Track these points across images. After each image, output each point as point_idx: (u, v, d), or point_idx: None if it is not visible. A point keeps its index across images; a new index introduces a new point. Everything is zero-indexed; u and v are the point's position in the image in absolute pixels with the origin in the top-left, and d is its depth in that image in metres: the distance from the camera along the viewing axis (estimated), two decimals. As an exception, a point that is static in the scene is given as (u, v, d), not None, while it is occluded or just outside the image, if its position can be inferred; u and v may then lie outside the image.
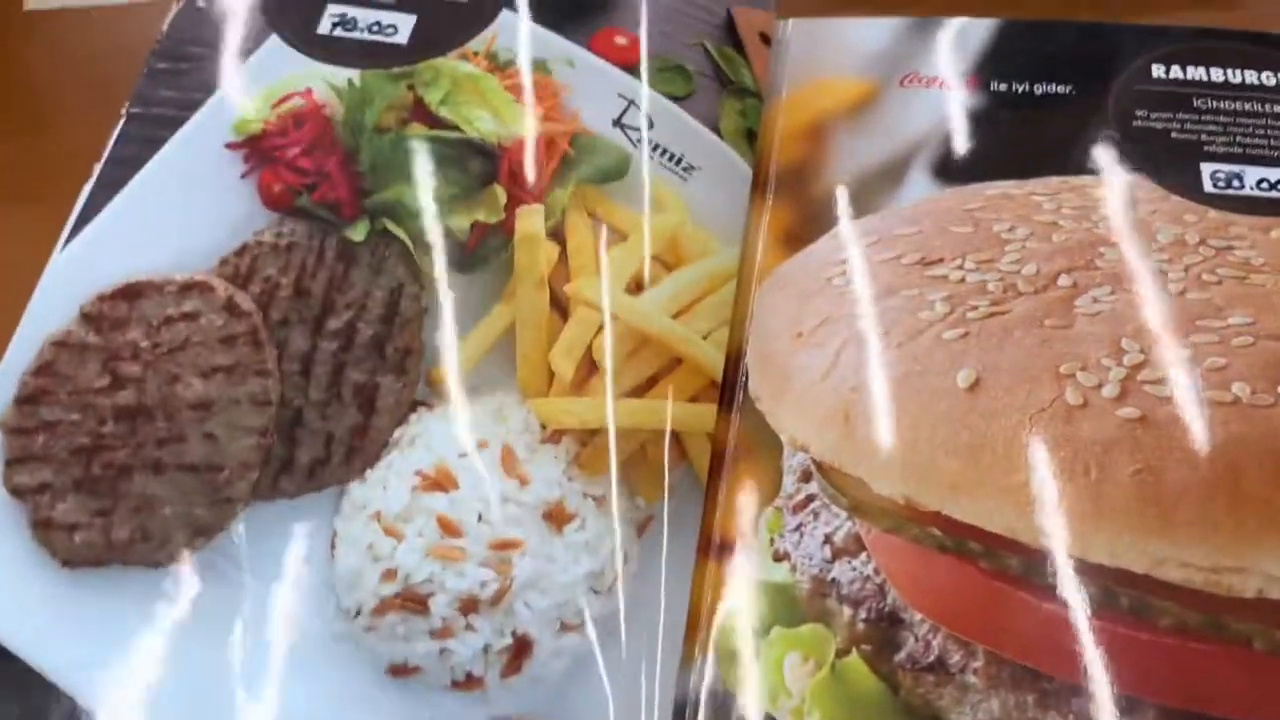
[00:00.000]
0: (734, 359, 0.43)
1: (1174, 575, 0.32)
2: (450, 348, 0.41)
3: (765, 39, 0.53)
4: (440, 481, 0.38)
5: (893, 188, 0.47)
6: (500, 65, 0.48)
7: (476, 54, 0.48)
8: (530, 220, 0.43)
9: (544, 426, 0.39)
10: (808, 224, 0.46)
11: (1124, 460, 0.34)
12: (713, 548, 0.38)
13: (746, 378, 0.42)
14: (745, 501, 0.39)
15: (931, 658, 0.34)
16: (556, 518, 0.37)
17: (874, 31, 0.53)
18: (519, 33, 0.48)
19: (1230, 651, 0.32)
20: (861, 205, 0.47)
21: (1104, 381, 0.35)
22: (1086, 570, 0.33)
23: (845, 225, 0.45)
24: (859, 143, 0.49)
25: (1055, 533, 0.34)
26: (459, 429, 0.39)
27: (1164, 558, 0.32)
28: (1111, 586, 0.33)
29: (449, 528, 0.37)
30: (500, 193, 0.44)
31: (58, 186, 0.45)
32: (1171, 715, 0.32)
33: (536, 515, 0.37)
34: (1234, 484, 0.33)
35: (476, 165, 0.45)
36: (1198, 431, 0.34)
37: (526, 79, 0.47)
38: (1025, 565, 0.34)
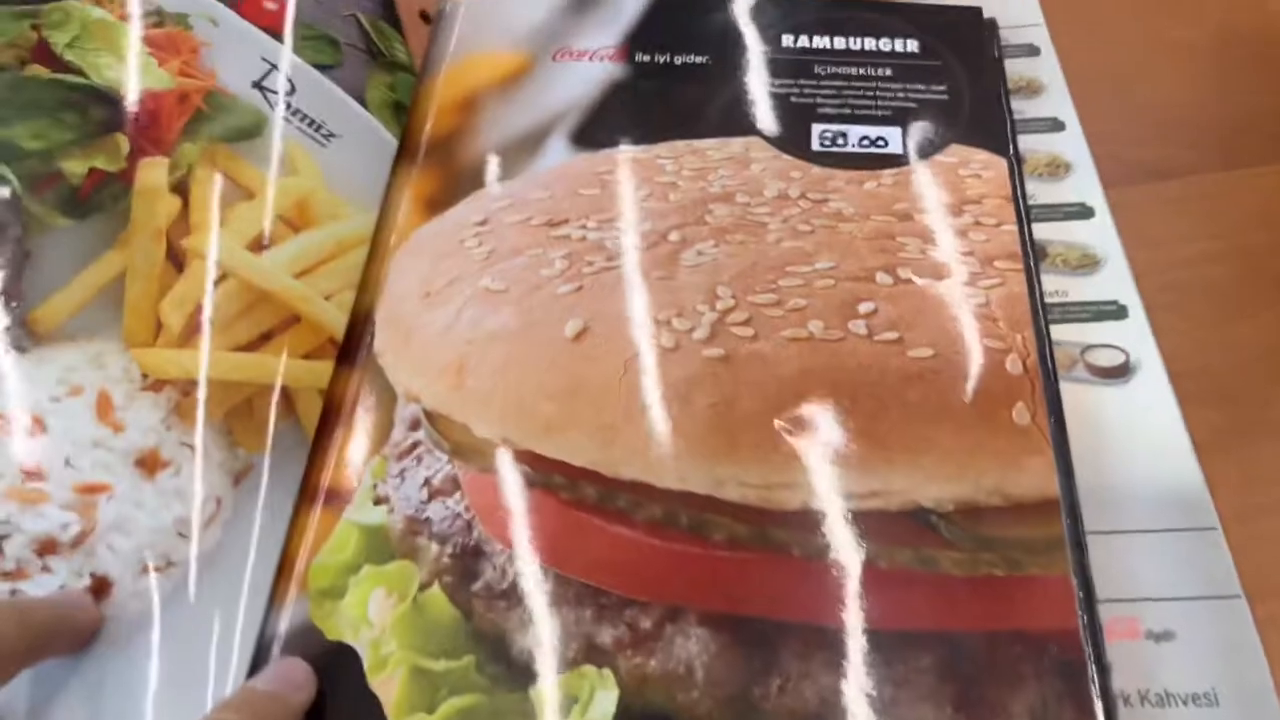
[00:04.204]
0: (363, 319, 0.46)
1: (732, 494, 0.38)
2: (52, 291, 0.42)
3: (425, 17, 0.57)
4: (27, 425, 0.38)
5: (533, 155, 0.52)
6: (137, 14, 0.49)
7: (114, 1, 0.49)
8: (152, 172, 0.44)
9: (145, 375, 0.41)
10: (451, 191, 0.50)
11: (703, 395, 0.39)
12: (316, 496, 0.41)
13: (373, 337, 0.45)
14: (354, 451, 0.42)
15: (506, 584, 0.38)
16: (149, 464, 0.39)
17: (534, 8, 0.58)
18: (161, -16, 0.50)
19: (773, 559, 0.38)
20: (503, 172, 0.51)
21: (696, 325, 0.41)
22: (654, 495, 0.38)
23: (482, 190, 0.50)
24: (507, 114, 0.53)
25: (632, 462, 0.38)
26: (52, 372, 0.40)
27: (725, 479, 0.38)
28: (675, 508, 0.38)
29: (32, 471, 0.38)
30: (123, 141, 0.45)
31: None
32: (712, 619, 0.37)
33: (128, 461, 0.39)
34: (798, 410, 0.39)
35: (100, 113, 0.45)
36: (772, 365, 0.40)
37: (159, 29, 0.48)
38: (601, 494, 0.39)
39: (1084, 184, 0.51)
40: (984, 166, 0.50)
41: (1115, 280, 0.47)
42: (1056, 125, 0.53)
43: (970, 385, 0.40)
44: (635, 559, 0.38)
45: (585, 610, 0.37)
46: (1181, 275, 0.48)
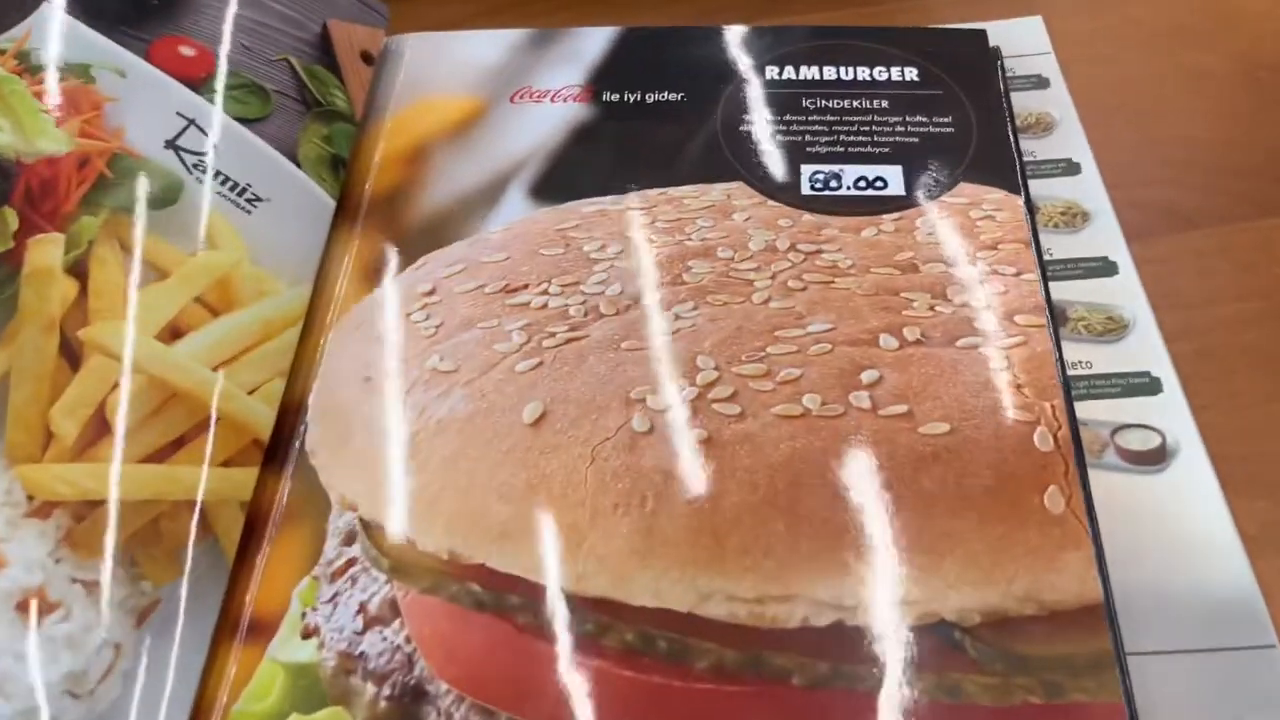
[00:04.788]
0: (294, 412, 0.41)
1: (719, 611, 0.32)
2: (-79, 403, 0.36)
3: (367, 58, 0.52)
4: (-114, 567, 0.33)
5: (488, 210, 0.46)
6: (32, 68, 0.43)
7: (4, 53, 0.43)
8: (44, 252, 0.39)
9: (31, 498, 0.35)
10: (397, 255, 0.45)
11: (682, 487, 0.33)
12: (237, 630, 0.36)
13: (305, 432, 0.40)
14: (281, 573, 0.37)
15: (451, 734, 0.32)
16: (34, 607, 0.33)
17: (489, 46, 0.53)
18: (58, 32, 0.44)
19: (768, 690, 0.32)
20: (456, 231, 0.45)
21: (673, 404, 0.35)
22: (626, 615, 0.33)
23: (430, 255, 0.44)
24: (460, 165, 0.48)
25: (599, 575, 0.33)
26: (-83, 502, 0.34)
27: (710, 592, 0.32)
28: (650, 631, 0.32)
29: (-109, 623, 0.32)
30: (11, 217, 0.39)
31: None
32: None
33: (9, 605, 0.33)
34: (793, 503, 0.33)
35: (-15, 184, 0.40)
36: (762, 449, 0.34)
37: (54, 84, 0.42)
38: (565, 617, 0.33)
39: (1105, 235, 0.45)
40: (997, 207, 0.44)
41: (1145, 348, 0.42)
42: (1071, 168, 0.48)
43: (994, 467, 0.34)
44: (605, 696, 0.32)
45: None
46: (1218, 341, 0.42)
